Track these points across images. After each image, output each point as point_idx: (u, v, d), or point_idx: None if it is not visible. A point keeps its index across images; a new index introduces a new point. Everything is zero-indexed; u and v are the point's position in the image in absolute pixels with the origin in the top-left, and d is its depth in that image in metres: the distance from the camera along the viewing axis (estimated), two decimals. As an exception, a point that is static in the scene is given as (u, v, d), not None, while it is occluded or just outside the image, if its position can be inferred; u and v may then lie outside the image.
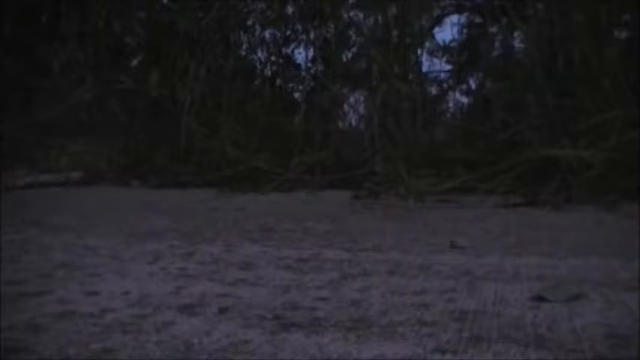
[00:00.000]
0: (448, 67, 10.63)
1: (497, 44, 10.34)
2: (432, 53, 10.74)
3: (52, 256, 3.17)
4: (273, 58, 11.53)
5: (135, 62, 11.38)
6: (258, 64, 11.62)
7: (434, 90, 10.79)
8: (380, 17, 10.32)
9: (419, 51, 10.74)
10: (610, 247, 3.30)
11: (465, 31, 10.49)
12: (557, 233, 3.76)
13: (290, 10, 11.34)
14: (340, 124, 11.12)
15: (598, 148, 6.04)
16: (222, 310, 2.11)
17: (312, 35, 11.36)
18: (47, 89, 9.25)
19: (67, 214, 5.00)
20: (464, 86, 10.66)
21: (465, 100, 10.66)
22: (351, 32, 10.94)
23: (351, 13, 11.00)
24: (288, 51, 11.49)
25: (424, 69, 10.83)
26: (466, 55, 10.46)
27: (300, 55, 11.43)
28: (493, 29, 10.33)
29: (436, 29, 10.75)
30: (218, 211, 5.24)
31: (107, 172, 8.72)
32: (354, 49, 11.06)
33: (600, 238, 3.63)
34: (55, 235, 3.85)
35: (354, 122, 11.05)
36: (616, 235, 3.73)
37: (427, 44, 10.74)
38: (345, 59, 11.14)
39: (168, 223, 4.55)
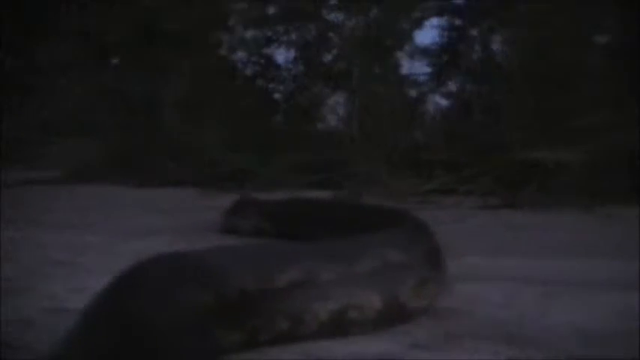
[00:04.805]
0: (428, 69, 10.75)
1: (477, 47, 10.47)
2: (412, 56, 10.84)
3: (36, 253, 3.18)
4: (254, 58, 11.60)
5: (116, 61, 11.41)
6: (239, 65, 11.69)
7: (414, 92, 10.90)
8: (361, 19, 10.41)
9: (399, 53, 10.86)
10: (586, 247, 3.37)
11: (445, 33, 10.60)
12: (534, 234, 3.83)
13: (271, 10, 11.40)
14: (320, 124, 11.21)
15: (576, 151, 6.14)
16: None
17: (293, 36, 11.44)
18: (34, 88, 9.28)
19: (57, 212, 5.03)
20: (444, 89, 10.78)
21: (445, 102, 10.78)
22: (332, 34, 11.01)
23: (332, 15, 11.08)
24: (269, 51, 11.56)
25: (404, 71, 10.94)
26: (446, 57, 10.56)
27: (281, 55, 11.52)
28: (473, 32, 10.47)
29: (417, 31, 10.87)
30: (205, 210, 5.28)
31: (93, 170, 8.71)
32: (334, 51, 11.15)
33: (575, 239, 3.70)
34: (38, 233, 3.85)
35: (334, 123, 11.13)
36: (592, 236, 3.81)
37: (407, 47, 10.86)
38: (325, 60, 11.23)
39: (154, 222, 4.57)
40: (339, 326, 1.65)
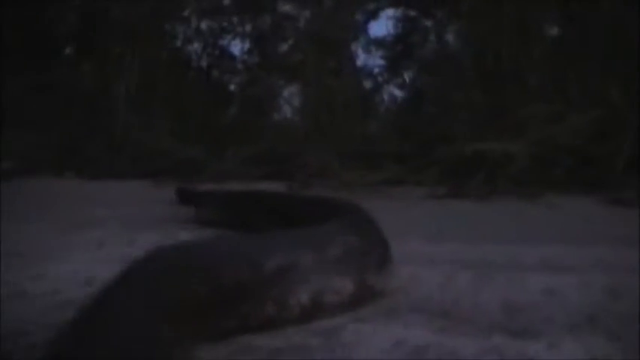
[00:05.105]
0: (383, 59, 10.84)
1: (431, 39, 10.61)
2: (366, 47, 10.94)
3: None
4: (208, 49, 11.56)
5: (67, 51, 11.24)
6: (193, 56, 11.64)
7: (368, 84, 10.99)
8: (315, 10, 10.46)
9: (353, 45, 10.94)
10: (523, 233, 3.51)
11: (399, 24, 10.71)
12: (477, 222, 3.96)
13: (226, 1, 11.38)
14: (275, 116, 11.24)
15: (521, 143, 6.30)
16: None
17: (247, 27, 11.43)
18: None
19: (3, 204, 4.98)
20: (398, 80, 10.89)
21: (399, 94, 10.89)
22: (287, 25, 11.04)
23: (287, 6, 11.11)
24: (224, 42, 11.54)
25: (359, 63, 11.03)
26: (400, 48, 10.67)
27: (236, 47, 11.51)
28: (427, 23, 10.59)
29: (372, 23, 10.96)
30: (155, 202, 5.29)
31: (40, 162, 8.58)
32: (289, 42, 11.18)
33: (515, 226, 3.85)
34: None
35: (288, 115, 11.16)
36: (532, 223, 3.95)
37: (362, 38, 10.95)
38: (280, 52, 11.26)
39: (107, 213, 4.57)
40: (318, 310, 1.74)
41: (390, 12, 10.79)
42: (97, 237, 3.46)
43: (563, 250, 2.87)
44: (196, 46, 11.57)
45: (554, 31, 8.58)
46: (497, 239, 3.20)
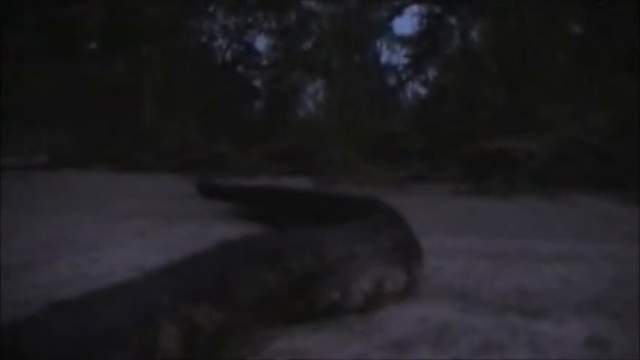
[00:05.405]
0: (407, 57, 10.94)
1: (455, 35, 10.68)
2: (391, 44, 11.05)
3: (44, 232, 3.43)
4: (234, 45, 11.74)
5: (93, 47, 11.38)
6: (219, 51, 11.82)
7: (392, 80, 11.11)
8: (340, 7, 10.57)
9: (378, 42, 11.05)
10: (540, 228, 3.69)
11: (424, 21, 10.79)
12: (497, 218, 4.14)
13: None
14: (299, 112, 11.40)
15: (543, 141, 6.42)
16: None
17: (272, 23, 11.58)
18: (8, 75, 9.27)
19: (43, 196, 5.24)
20: (422, 76, 10.98)
21: (423, 90, 10.99)
22: (311, 21, 11.17)
23: (312, 3, 11.24)
24: (249, 39, 11.71)
25: (383, 59, 11.15)
26: (425, 45, 10.74)
27: (261, 43, 11.69)
28: (452, 20, 10.66)
29: (396, 20, 11.07)
30: (186, 195, 5.51)
31: (71, 156, 8.83)
32: (313, 39, 11.31)
33: (533, 221, 4.03)
34: (39, 215, 4.09)
35: (313, 111, 11.30)
36: (549, 219, 4.13)
37: (387, 35, 11.06)
38: (305, 48, 11.39)
39: (142, 205, 4.80)
40: (377, 297, 1.92)
41: (414, 8, 10.91)
42: (138, 227, 3.69)
43: (577, 244, 3.06)
44: (222, 42, 11.78)
45: (577, 30, 8.65)
46: (515, 233, 3.39)
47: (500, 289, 2.12)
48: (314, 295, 1.77)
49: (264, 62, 11.78)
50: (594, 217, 4.18)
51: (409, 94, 11.12)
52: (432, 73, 10.91)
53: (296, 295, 1.73)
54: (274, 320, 1.65)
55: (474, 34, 10.16)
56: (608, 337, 1.61)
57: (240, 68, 12.00)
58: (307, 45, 11.43)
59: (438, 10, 10.68)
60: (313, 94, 11.44)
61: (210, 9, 11.75)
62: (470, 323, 1.72)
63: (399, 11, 11.02)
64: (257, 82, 12.02)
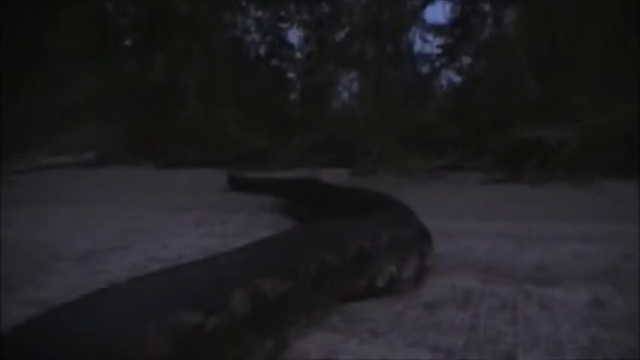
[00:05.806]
0: (440, 47, 11.01)
1: (489, 23, 10.72)
2: (424, 33, 11.14)
3: (109, 223, 3.82)
4: (267, 38, 11.93)
5: (128, 43, 11.61)
6: (253, 45, 12.03)
7: (426, 69, 11.19)
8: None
9: (411, 31, 11.14)
10: (565, 213, 3.91)
11: (457, 8, 10.84)
12: (525, 204, 4.37)
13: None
14: (334, 103, 11.56)
15: (574, 129, 6.53)
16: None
17: (305, 16, 11.74)
18: (52, 74, 9.57)
19: (100, 192, 5.62)
20: (457, 64, 11.04)
21: (457, 78, 11.04)
22: (344, 13, 11.31)
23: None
24: (282, 31, 11.90)
25: (416, 48, 11.24)
26: (458, 32, 10.79)
27: (294, 35, 11.86)
28: (485, 7, 10.69)
29: (428, 8, 11.12)
30: (226, 189, 5.79)
31: (117, 153, 9.15)
32: (346, 30, 11.44)
33: (560, 207, 4.23)
34: (105, 209, 4.49)
35: (347, 102, 11.45)
36: (575, 204, 4.34)
37: (419, 24, 11.14)
38: (338, 40, 11.53)
39: (192, 198, 5.14)
40: (422, 269, 2.23)
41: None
42: (193, 219, 4.03)
43: (597, 226, 3.30)
44: (255, 35, 11.98)
45: (609, 20, 8.68)
46: (541, 217, 3.64)
47: (521, 264, 2.42)
48: (375, 270, 2.06)
49: (298, 55, 11.94)
50: (621, 202, 4.30)
51: (443, 83, 11.20)
52: (465, 61, 10.96)
53: (356, 273, 2.01)
54: (337, 293, 1.93)
55: (507, 21, 10.19)
56: (608, 300, 1.91)
57: (274, 61, 12.18)
58: (340, 36, 11.55)
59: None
60: (348, 86, 11.58)
61: (243, 3, 11.93)
62: (491, 289, 2.03)
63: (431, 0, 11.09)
64: (291, 75, 12.20)
